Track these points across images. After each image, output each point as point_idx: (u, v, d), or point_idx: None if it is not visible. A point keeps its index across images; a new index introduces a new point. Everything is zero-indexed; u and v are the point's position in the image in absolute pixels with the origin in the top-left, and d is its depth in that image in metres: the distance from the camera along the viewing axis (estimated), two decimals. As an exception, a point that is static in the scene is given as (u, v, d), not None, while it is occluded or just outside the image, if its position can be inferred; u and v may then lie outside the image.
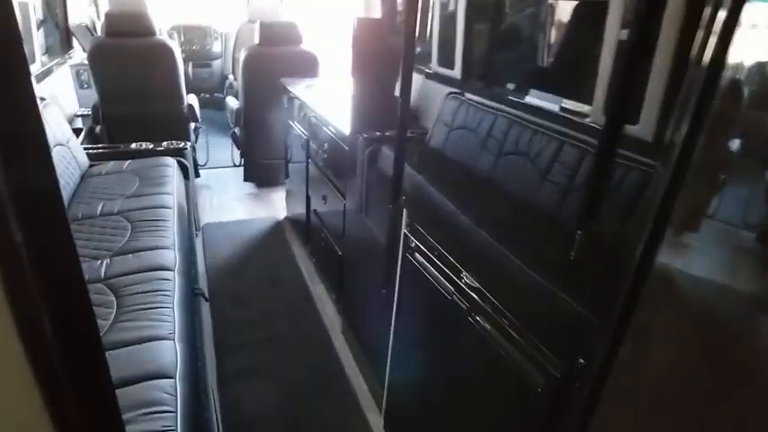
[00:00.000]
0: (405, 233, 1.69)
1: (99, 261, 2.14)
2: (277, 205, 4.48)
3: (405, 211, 1.71)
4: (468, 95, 1.77)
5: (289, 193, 4.23)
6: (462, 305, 1.36)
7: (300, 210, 3.64)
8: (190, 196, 3.38)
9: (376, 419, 2.24)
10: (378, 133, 2.41)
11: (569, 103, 1.34)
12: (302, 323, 2.91)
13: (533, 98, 1.48)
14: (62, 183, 2.64)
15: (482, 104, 1.68)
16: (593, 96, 1.21)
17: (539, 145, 1.37)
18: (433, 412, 1.70)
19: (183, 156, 3.53)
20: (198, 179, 4.56)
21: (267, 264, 3.53)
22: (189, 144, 3.69)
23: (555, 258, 1.09)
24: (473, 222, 1.38)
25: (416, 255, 1.62)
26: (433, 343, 1.63)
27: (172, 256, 2.22)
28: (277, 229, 4.07)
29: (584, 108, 1.26)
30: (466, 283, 1.34)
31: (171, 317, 1.82)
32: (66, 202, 2.62)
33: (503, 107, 1.58)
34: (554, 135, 1.33)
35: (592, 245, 0.97)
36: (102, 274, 2.05)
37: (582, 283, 0.99)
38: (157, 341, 1.68)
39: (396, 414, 2.05)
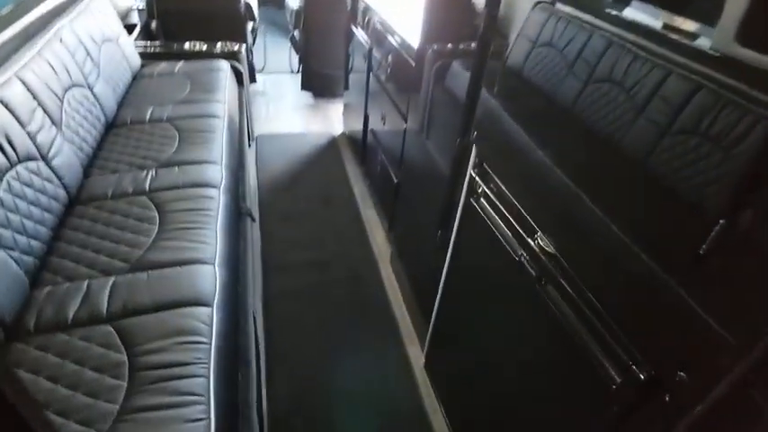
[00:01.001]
0: (471, 174, 1.45)
1: (144, 172, 2.08)
2: (333, 119, 4.27)
3: (474, 148, 1.46)
4: (560, 6, 1.42)
5: (347, 108, 4.00)
6: (532, 270, 1.15)
7: (358, 126, 3.42)
8: (243, 104, 3.23)
9: (417, 355, 2.18)
10: (450, 46, 2.09)
11: (679, 21, 1.03)
12: (350, 248, 2.83)
13: (634, 11, 1.15)
14: (112, 83, 2.55)
15: (575, 18, 1.34)
16: (717, 14, 0.89)
17: (638, 73, 1.06)
18: (478, 371, 1.58)
19: (238, 59, 3.34)
20: (254, 84, 4.40)
21: (319, 182, 3.41)
22: (245, 46, 3.47)
23: (672, 241, 0.84)
24: (559, 172, 1.12)
25: (482, 201, 1.40)
26: (489, 302, 1.46)
27: (218, 172, 2.13)
28: (332, 145, 3.91)
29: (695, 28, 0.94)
30: (540, 246, 1.13)
31: (213, 239, 1.75)
32: (115, 104, 2.55)
33: (599, 22, 1.25)
34: (659, 61, 1.02)
35: (737, 242, 0.71)
36: (147, 187, 1.99)
37: (710, 286, 0.75)
38: (197, 265, 1.62)
39: (438, 357, 1.97)
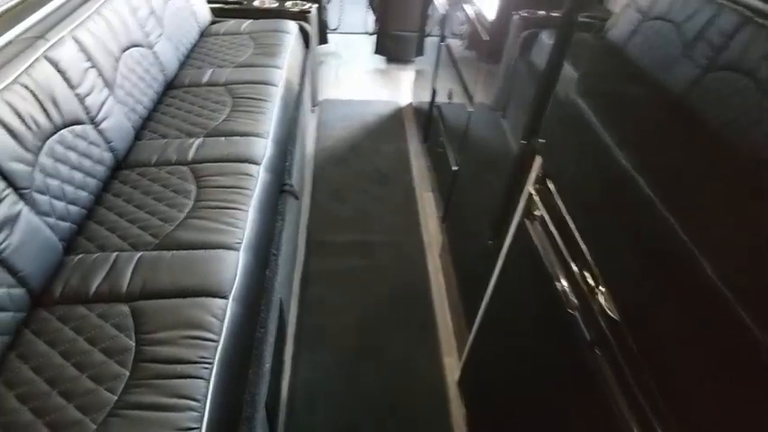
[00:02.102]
0: (530, 191, 1.23)
1: (192, 140, 2.06)
2: (403, 87, 4.06)
3: (539, 158, 1.23)
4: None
5: (418, 75, 3.76)
6: (585, 332, 0.95)
7: (425, 99, 3.20)
8: (307, 68, 3.12)
9: (452, 366, 2.05)
10: (542, 12, 1.80)
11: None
12: (399, 232, 2.70)
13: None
14: (175, 41, 2.53)
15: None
16: None
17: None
18: (513, 407, 1.42)
19: (307, 20, 3.20)
20: (325, 45, 4.27)
21: (378, 156, 3.27)
22: (315, 6, 3.32)
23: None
24: (657, 206, 0.87)
25: (537, 227, 1.19)
26: (532, 343, 1.27)
27: (263, 147, 2.05)
28: (397, 116, 3.72)
29: None
30: (601, 307, 0.91)
31: (244, 222, 1.69)
32: (177, 64, 2.54)
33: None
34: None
35: None
36: (191, 157, 1.97)
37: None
38: (222, 250, 1.57)
39: (474, 376, 1.82)
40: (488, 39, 1.96)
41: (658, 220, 0.81)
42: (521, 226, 1.28)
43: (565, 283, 1.01)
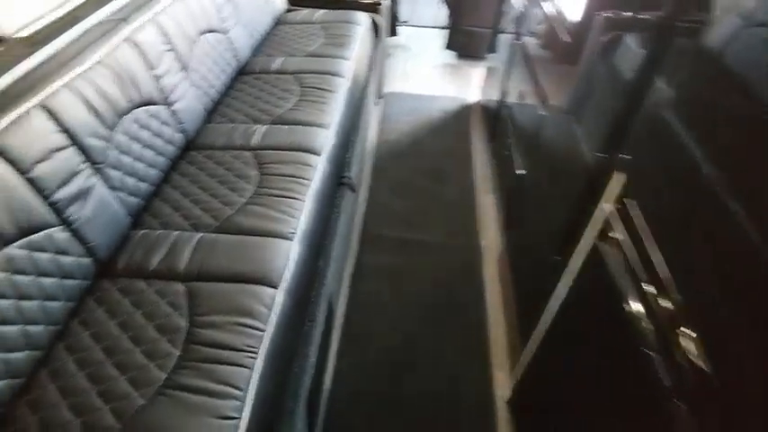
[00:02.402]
0: (607, 210, 1.13)
1: (257, 126, 2.09)
2: (473, 84, 3.95)
3: (619, 175, 1.11)
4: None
5: (489, 73, 3.64)
6: (664, 380, 0.85)
7: (495, 97, 3.09)
8: (376, 61, 3.10)
9: (503, 384, 1.95)
10: (629, 14, 1.65)
11: None
12: (456, 233, 2.63)
13: None
14: (249, 29, 2.58)
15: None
16: None
17: None
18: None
19: (378, 12, 3.18)
20: (395, 37, 4.23)
21: (440, 153, 3.20)
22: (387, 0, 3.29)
23: None
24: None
25: (614, 253, 1.09)
26: (601, 380, 1.17)
27: (325, 138, 2.05)
28: (463, 114, 3.62)
29: None
30: (686, 353, 0.81)
31: (300, 212, 1.70)
32: (250, 51, 2.59)
33: None
34: None
35: None
36: (255, 143, 1.99)
37: None
38: (277, 239, 1.58)
39: (528, 399, 1.72)
40: (568, 39, 1.83)
41: (765, 259, 0.70)
42: (595, 248, 1.17)
43: (643, 317, 0.91)
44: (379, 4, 3.17)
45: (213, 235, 1.59)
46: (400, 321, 2.17)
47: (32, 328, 1.21)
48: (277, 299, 1.41)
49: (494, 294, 2.32)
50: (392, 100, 3.69)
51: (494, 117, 3.09)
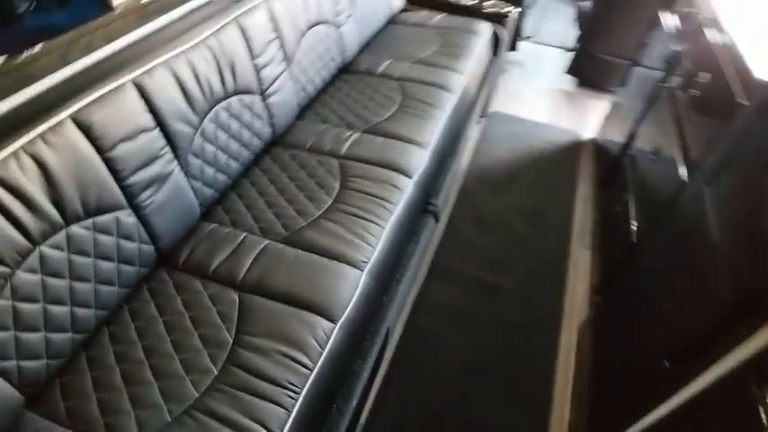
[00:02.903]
0: (756, 353, 0.89)
1: (349, 132, 2.01)
2: (590, 117, 3.65)
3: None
4: None
5: (614, 110, 3.32)
6: None
7: (616, 139, 2.80)
8: (488, 77, 2.93)
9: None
10: None
11: None
12: (538, 287, 2.40)
13: None
14: (361, 25, 2.52)
15: None
16: None
17: None
18: None
19: (503, 24, 3.00)
20: (513, 52, 4.02)
21: (537, 190, 2.96)
22: (517, 10, 3.10)
23: None
24: None
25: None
26: None
27: (420, 159, 1.93)
28: (573, 150, 3.35)
29: None
30: None
31: (376, 240, 1.58)
32: (357, 48, 2.53)
33: None
34: None
35: None
36: (344, 151, 1.91)
37: None
38: (345, 265, 1.48)
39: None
40: (744, 102, 1.49)
41: None
42: (741, 382, 0.93)
43: None
44: (506, 16, 2.99)
45: (280, 245, 1.52)
46: (454, 369, 2.00)
47: (81, 311, 1.20)
48: (333, 335, 1.31)
49: (567, 367, 2.08)
50: (495, 121, 3.50)
51: (610, 162, 2.80)
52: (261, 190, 1.73)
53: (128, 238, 1.31)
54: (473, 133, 3.27)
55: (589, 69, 3.90)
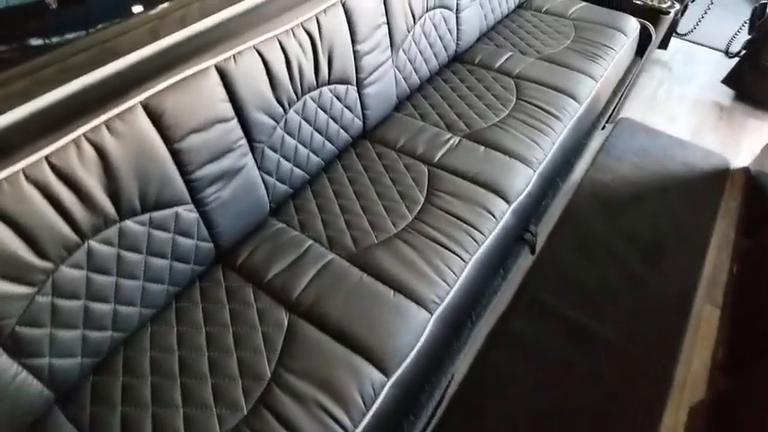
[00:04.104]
0: None
1: (448, 136, 1.75)
2: (744, 141, 3.02)
3: None
4: None
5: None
6: None
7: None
8: (626, 82, 2.47)
9: None
10: None
11: None
12: (644, 345, 2.00)
13: None
14: (486, 8, 2.20)
15: None
16: None
17: None
18: None
19: (657, 23, 2.49)
20: (660, 51, 3.42)
21: (662, 222, 2.49)
22: (679, 7, 2.56)
23: None
24: None
25: None
26: None
27: (525, 182, 1.63)
28: (718, 179, 2.78)
29: None
30: None
31: (455, 277, 1.34)
32: (478, 34, 2.21)
33: None
34: None
35: None
36: (437, 157, 1.67)
37: None
38: (413, 304, 1.26)
39: None
40: None
41: None
42: None
43: None
44: (665, 14, 2.47)
45: (346, 264, 1.34)
46: (522, 415, 1.73)
47: (125, 309, 1.12)
48: (383, 393, 1.11)
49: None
50: (624, 129, 3.00)
51: (766, 203, 2.26)
52: (337, 190, 1.55)
53: (185, 234, 1.20)
54: (595, 141, 2.82)
55: (752, 81, 3.20)
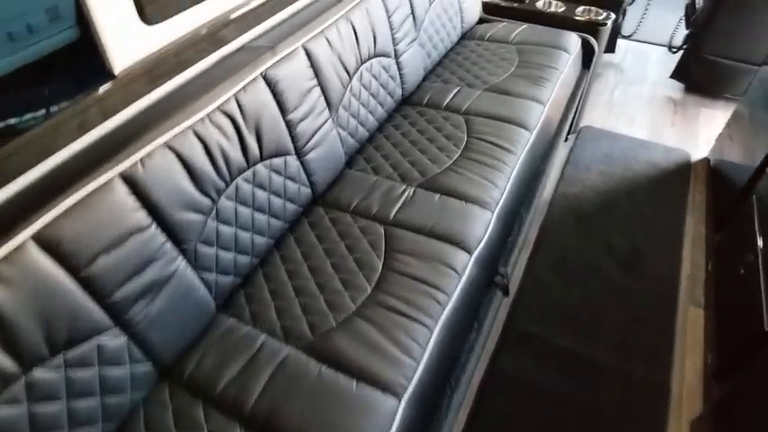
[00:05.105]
0: None
1: (402, 188, 1.56)
2: (701, 132, 2.85)
3: None
4: None
5: (735, 122, 2.49)
6: None
7: (741, 161, 2.06)
8: (576, 96, 2.30)
9: None
10: None
11: None
12: (637, 360, 1.80)
13: None
14: (428, 48, 2.02)
15: None
16: None
17: None
18: None
19: (597, 36, 2.33)
20: (608, 54, 3.26)
21: (637, 227, 2.30)
22: (614, 16, 2.39)
23: None
24: None
25: None
26: None
27: (483, 227, 1.43)
28: (681, 174, 2.60)
29: None
30: None
31: (421, 350, 1.14)
32: (423, 74, 2.04)
33: None
34: None
35: None
36: (392, 214, 1.47)
37: None
38: (379, 392, 1.06)
39: None
40: None
41: None
42: None
43: None
44: (601, 26, 2.30)
45: (302, 357, 1.14)
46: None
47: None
48: None
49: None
50: (586, 138, 2.82)
51: (732, 194, 2.07)
52: (291, 269, 1.35)
53: (114, 363, 1.00)
54: (559, 155, 2.63)
55: (698, 73, 3.04)
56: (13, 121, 1.06)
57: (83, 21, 1.03)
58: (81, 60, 1.13)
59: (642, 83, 3.27)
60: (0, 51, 1.03)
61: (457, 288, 1.27)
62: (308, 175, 1.47)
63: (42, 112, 1.08)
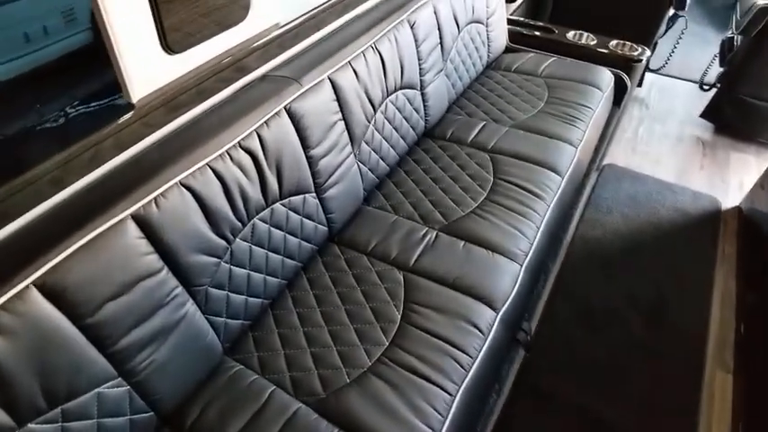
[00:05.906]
0: None
1: (423, 232, 1.53)
2: (731, 177, 2.83)
3: None
4: None
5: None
6: None
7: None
8: (606, 133, 2.29)
9: None
10: None
11: None
12: (665, 423, 1.75)
13: None
14: (453, 78, 2.02)
15: None
16: None
17: None
18: None
19: (630, 72, 2.32)
20: (636, 88, 3.26)
21: (662, 276, 2.26)
22: (648, 53, 2.39)
23: None
24: None
25: None
26: None
27: (511, 281, 1.40)
28: (710, 222, 2.57)
29: None
30: None
31: (438, 423, 1.10)
32: (447, 105, 2.03)
33: None
34: None
35: None
36: (412, 262, 1.44)
37: None
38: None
39: None
40: None
41: None
42: None
43: None
44: (636, 62, 2.30)
45: (313, 416, 1.10)
46: None
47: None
48: None
49: None
50: (609, 177, 2.80)
51: (767, 248, 2.04)
52: (303, 314, 1.32)
53: (114, 414, 0.97)
54: (584, 192, 2.61)
55: (731, 113, 3.04)
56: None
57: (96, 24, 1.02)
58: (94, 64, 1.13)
59: (668, 120, 3.26)
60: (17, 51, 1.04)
61: (482, 350, 1.23)
62: (327, 213, 1.45)
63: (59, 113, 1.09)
